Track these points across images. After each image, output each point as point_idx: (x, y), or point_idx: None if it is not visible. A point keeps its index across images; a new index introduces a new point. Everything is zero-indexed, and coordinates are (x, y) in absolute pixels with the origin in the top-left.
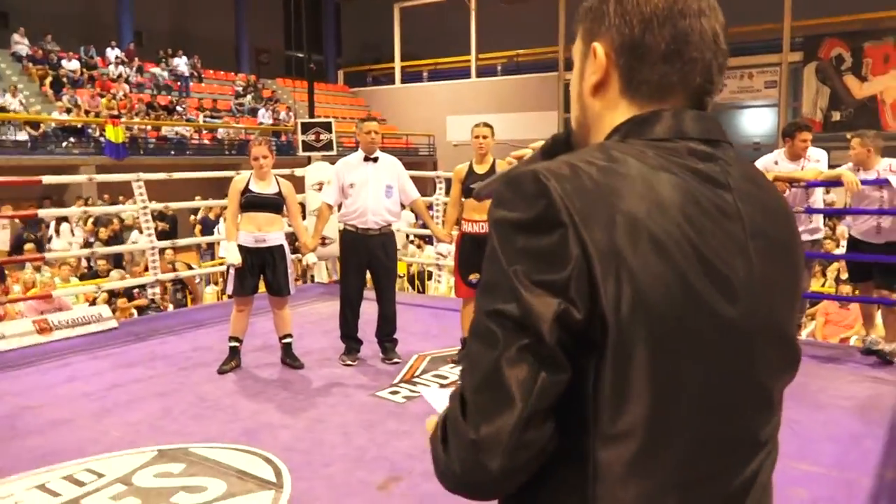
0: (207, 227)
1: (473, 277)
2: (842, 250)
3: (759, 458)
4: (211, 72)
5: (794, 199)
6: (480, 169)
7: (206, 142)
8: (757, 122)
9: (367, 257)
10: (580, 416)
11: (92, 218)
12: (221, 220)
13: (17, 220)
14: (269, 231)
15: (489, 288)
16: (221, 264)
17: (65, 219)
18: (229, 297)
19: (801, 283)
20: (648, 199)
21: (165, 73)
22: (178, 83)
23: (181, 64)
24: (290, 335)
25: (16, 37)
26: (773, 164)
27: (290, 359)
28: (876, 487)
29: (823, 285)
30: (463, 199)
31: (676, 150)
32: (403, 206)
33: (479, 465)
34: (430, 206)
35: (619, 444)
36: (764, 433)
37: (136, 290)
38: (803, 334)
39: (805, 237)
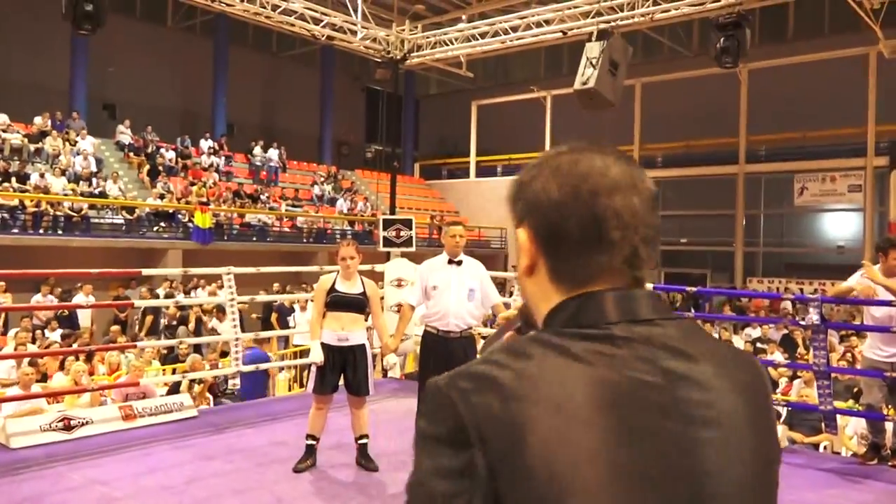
0: (283, 313)
1: None
2: None
3: None
4: (295, 162)
5: (893, 320)
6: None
7: (286, 229)
8: (841, 225)
9: (446, 360)
10: None
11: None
12: (297, 307)
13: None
14: (352, 330)
15: (412, 487)
16: (294, 354)
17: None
18: (308, 389)
19: (766, 450)
20: (560, 411)
21: (259, 163)
22: (266, 172)
23: (273, 155)
24: (366, 435)
25: (121, 127)
26: (867, 279)
27: (365, 460)
28: None
29: None
30: None
31: (600, 339)
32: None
33: None
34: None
35: None
36: None
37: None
38: None
39: None
